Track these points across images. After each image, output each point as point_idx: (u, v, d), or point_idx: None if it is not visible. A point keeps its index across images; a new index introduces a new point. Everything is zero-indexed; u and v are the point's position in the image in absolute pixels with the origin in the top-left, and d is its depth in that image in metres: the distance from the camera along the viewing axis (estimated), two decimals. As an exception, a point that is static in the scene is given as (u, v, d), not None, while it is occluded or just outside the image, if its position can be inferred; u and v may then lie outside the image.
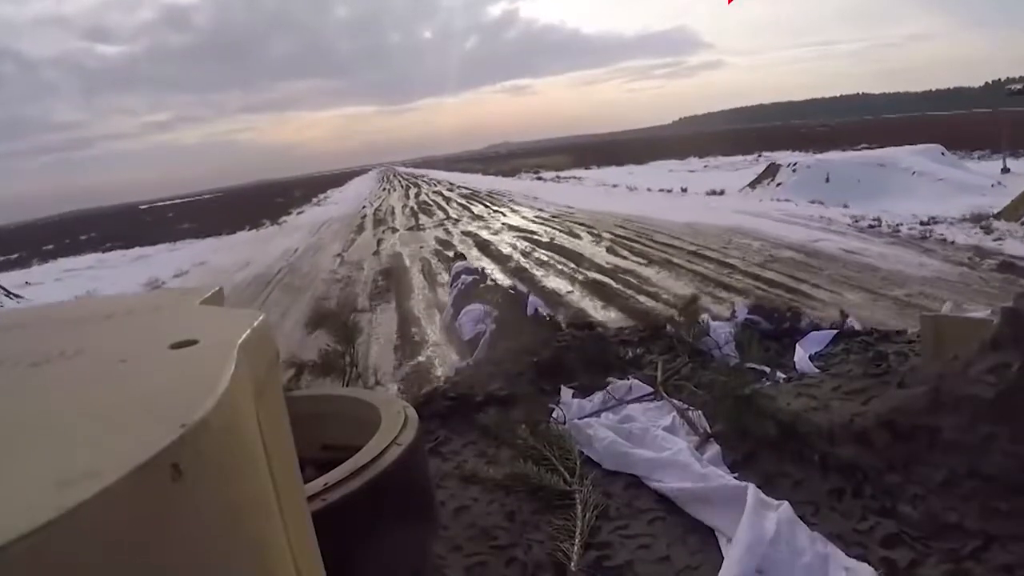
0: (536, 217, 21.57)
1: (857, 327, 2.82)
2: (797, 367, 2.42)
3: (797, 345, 2.58)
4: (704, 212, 18.17)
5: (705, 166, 40.41)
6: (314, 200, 51.61)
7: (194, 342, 0.53)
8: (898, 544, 1.40)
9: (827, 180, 19.36)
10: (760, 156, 39.84)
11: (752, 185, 22.43)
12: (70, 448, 0.38)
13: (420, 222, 24.20)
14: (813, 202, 17.99)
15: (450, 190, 42.13)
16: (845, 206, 16.55)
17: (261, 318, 0.60)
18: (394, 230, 22.69)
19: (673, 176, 32.42)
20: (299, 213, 39.47)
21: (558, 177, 42.45)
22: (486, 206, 27.74)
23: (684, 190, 24.86)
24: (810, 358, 2.48)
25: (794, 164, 21.87)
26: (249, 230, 31.32)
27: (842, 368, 2.34)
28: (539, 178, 44.37)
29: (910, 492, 1.49)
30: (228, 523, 0.43)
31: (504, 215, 23.50)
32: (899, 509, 1.48)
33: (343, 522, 1.07)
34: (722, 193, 22.63)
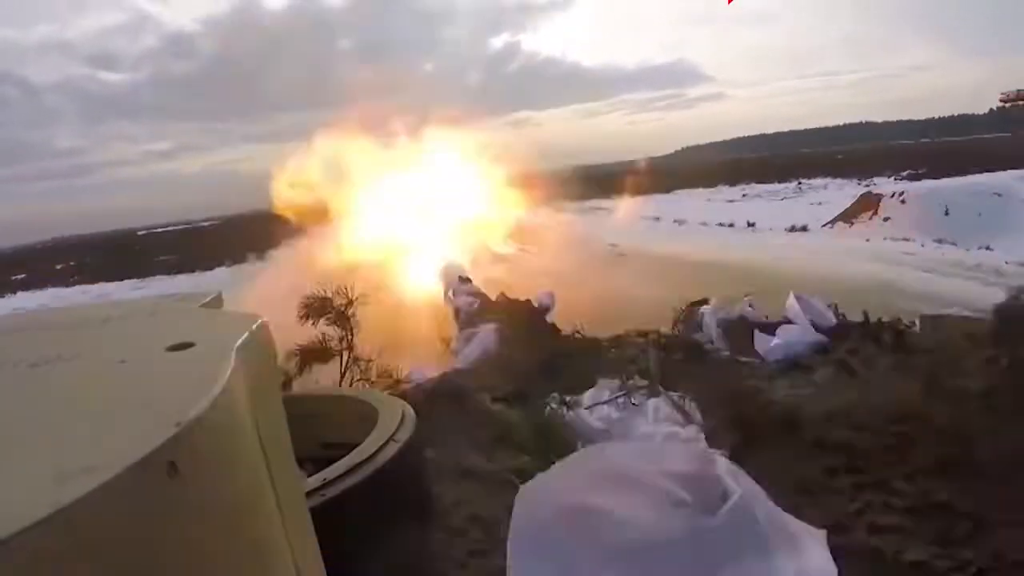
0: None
1: (852, 321, 2.84)
2: (783, 354, 2.43)
3: (778, 331, 2.59)
4: (806, 256, 13.16)
5: (744, 195, 35.74)
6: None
7: (191, 344, 0.53)
8: (888, 525, 1.41)
9: (946, 213, 16.27)
10: (800, 184, 37.29)
11: (848, 220, 18.91)
12: (68, 445, 0.38)
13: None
14: (941, 241, 14.36)
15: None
16: (988, 248, 13.10)
17: (260, 321, 0.60)
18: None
19: (714, 207, 27.69)
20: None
21: (581, 208, 38.79)
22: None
23: (751, 225, 20.02)
24: (802, 351, 2.49)
25: (901, 194, 18.49)
26: (229, 266, 26.86)
27: (836, 360, 2.35)
28: (558, 206, 39.92)
29: (902, 472, 1.51)
30: (224, 518, 0.44)
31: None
32: (892, 486, 1.49)
33: (341, 516, 1.08)
34: (804, 229, 18.50)
